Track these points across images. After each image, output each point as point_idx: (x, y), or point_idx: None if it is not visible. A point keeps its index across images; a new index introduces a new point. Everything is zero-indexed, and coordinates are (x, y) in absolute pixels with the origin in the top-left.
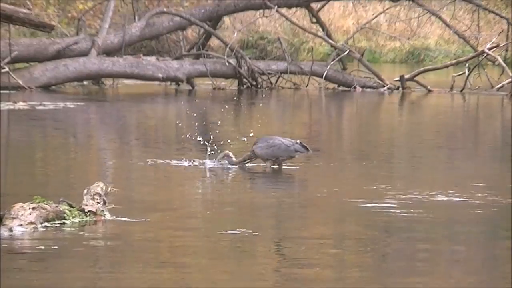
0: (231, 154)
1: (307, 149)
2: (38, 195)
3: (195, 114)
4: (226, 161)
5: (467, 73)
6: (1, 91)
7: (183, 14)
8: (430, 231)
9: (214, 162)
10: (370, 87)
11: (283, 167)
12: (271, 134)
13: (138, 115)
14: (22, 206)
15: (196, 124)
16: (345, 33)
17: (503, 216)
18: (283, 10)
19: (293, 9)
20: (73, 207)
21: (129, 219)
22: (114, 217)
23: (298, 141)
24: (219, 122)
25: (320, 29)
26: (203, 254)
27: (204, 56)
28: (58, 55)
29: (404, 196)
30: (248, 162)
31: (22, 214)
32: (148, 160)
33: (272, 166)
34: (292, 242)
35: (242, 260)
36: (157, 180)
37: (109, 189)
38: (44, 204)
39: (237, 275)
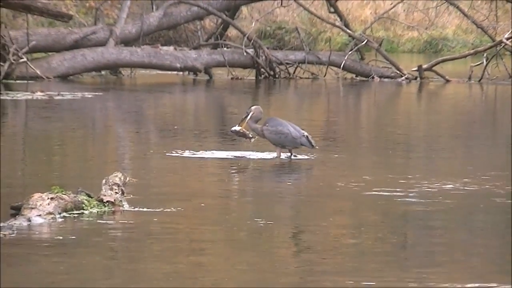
0: (261, 113)
1: (312, 145)
2: (57, 185)
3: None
4: (252, 115)
5: (485, 63)
6: (19, 81)
7: (201, 3)
8: (448, 220)
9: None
10: (388, 77)
11: (302, 156)
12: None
13: (157, 105)
14: (41, 196)
15: (215, 114)
16: (363, 23)
17: None
18: (301, 0)
19: None
20: (91, 197)
21: (147, 210)
22: (133, 207)
23: (305, 134)
24: (237, 112)
25: (338, 19)
26: (222, 244)
27: (222, 46)
28: (76, 45)
29: (421, 186)
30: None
31: (40, 204)
32: (166, 150)
33: (282, 154)
34: (311, 232)
35: (261, 250)
36: (176, 171)
37: (128, 179)
38: (63, 194)
39: (255, 265)
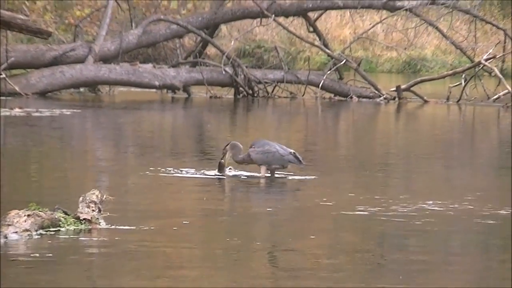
0: (239, 145)
1: (300, 161)
2: (34, 202)
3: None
4: (231, 155)
5: (463, 83)
6: None
7: (180, 21)
8: (426, 241)
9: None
10: (366, 97)
11: (279, 176)
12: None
13: (135, 123)
14: (17, 213)
15: (194, 132)
16: (342, 42)
17: (499, 227)
18: (280, 19)
19: (290, 18)
20: (68, 215)
21: (124, 227)
22: (109, 225)
23: (292, 152)
24: (215, 131)
25: (317, 38)
26: (199, 264)
27: (200, 64)
28: (55, 62)
29: (400, 206)
30: (246, 164)
31: (17, 221)
32: (144, 168)
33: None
34: (288, 252)
35: (237, 270)
36: (153, 189)
37: (105, 197)
38: (39, 211)
39: (232, 284)
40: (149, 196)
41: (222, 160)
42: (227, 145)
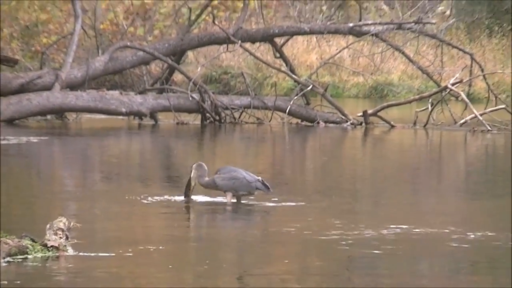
0: (205, 166)
1: (267, 187)
2: (1, 229)
3: (162, 150)
4: (197, 176)
5: (430, 108)
6: None
7: (147, 48)
8: (394, 266)
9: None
10: (333, 122)
11: (246, 201)
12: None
13: (102, 150)
14: None
15: (160, 159)
16: (308, 68)
17: (466, 250)
18: (247, 45)
19: (257, 44)
20: (35, 242)
21: (91, 254)
22: (77, 252)
23: (260, 179)
24: (182, 157)
25: (284, 64)
26: None
27: (167, 91)
28: (22, 89)
29: (367, 231)
30: (210, 189)
31: None
32: (111, 195)
33: (231, 200)
34: (255, 278)
35: None
36: (121, 215)
37: (72, 224)
38: (7, 238)
39: None
40: (117, 222)
41: (190, 179)
42: (193, 165)
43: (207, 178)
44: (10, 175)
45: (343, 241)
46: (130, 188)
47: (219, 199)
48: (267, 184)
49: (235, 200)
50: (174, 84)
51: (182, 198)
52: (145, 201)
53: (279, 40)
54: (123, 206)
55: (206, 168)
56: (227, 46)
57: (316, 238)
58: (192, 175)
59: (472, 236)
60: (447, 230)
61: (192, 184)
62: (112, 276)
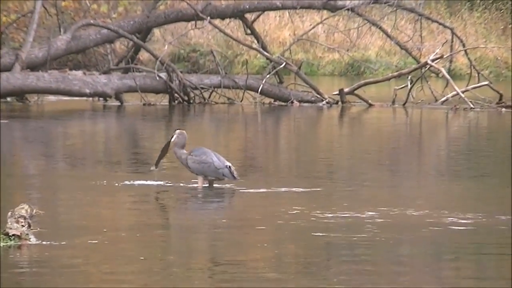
0: (186, 136)
1: (234, 176)
2: None
3: (129, 133)
4: (176, 142)
5: (409, 86)
6: None
7: (111, 26)
8: (373, 251)
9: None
10: (308, 101)
11: (220, 186)
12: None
13: (65, 133)
14: None
15: (127, 142)
16: (281, 44)
17: (447, 236)
18: (216, 21)
19: (227, 20)
20: None
21: (55, 243)
22: (40, 241)
23: (228, 165)
24: (150, 140)
25: (255, 41)
26: (133, 280)
27: (133, 70)
28: None
29: (344, 216)
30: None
31: None
32: (76, 181)
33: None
34: (230, 265)
35: (177, 284)
36: (86, 202)
37: (34, 211)
38: None
39: None
40: (82, 209)
41: (169, 143)
42: (176, 130)
43: (184, 151)
44: None
45: (319, 227)
46: (95, 173)
47: (191, 185)
48: (234, 173)
49: (206, 185)
50: (140, 63)
51: (152, 168)
52: (111, 187)
53: (250, 16)
54: (89, 192)
55: (185, 136)
56: (196, 23)
57: (292, 224)
58: (172, 140)
59: (452, 219)
60: (426, 213)
61: (169, 147)
62: (77, 266)
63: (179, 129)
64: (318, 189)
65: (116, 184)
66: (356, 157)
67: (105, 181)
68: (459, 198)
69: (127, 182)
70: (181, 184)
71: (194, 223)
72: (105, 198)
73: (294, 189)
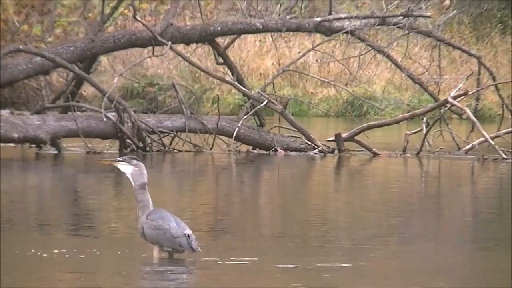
0: (145, 174)
1: (191, 247)
2: None
3: (67, 189)
4: (134, 174)
5: (425, 130)
6: None
7: (46, 53)
8: None
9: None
10: (296, 149)
11: (180, 257)
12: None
13: None
14: None
15: (64, 201)
16: (262, 77)
17: None
18: (180, 47)
19: (193, 46)
20: None
21: None
22: None
23: (188, 234)
24: (96, 199)
25: (229, 73)
26: None
27: (74, 110)
28: None
29: None
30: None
31: None
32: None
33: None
34: None
35: None
36: (14, 274)
37: None
38: None
39: None
40: (8, 283)
41: (116, 164)
42: (132, 159)
43: (142, 215)
44: None
45: None
46: (26, 239)
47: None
48: (192, 243)
49: (164, 255)
50: (83, 100)
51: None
52: (46, 255)
53: (222, 41)
54: (17, 261)
55: (145, 175)
56: (153, 49)
57: None
58: (121, 167)
59: None
60: None
61: (115, 165)
62: None
63: (135, 158)
64: (309, 260)
65: (52, 253)
66: (356, 222)
67: (36, 250)
68: (486, 273)
69: (64, 250)
70: (131, 254)
71: None
72: (36, 269)
73: (277, 260)
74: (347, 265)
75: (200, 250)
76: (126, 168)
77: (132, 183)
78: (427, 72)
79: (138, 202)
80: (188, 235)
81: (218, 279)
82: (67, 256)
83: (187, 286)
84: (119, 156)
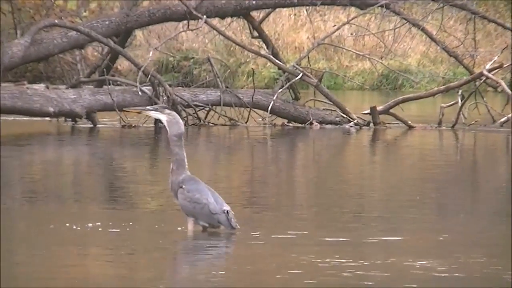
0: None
1: (231, 225)
2: None
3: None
4: (166, 121)
5: (460, 103)
6: None
7: (81, 27)
8: None
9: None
10: (331, 122)
11: (216, 231)
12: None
13: (23, 163)
14: None
15: (99, 175)
16: (297, 51)
17: None
18: (215, 21)
19: (228, 20)
20: None
21: None
22: None
23: (226, 210)
24: (129, 172)
25: (264, 46)
26: None
27: (109, 84)
28: None
29: (378, 270)
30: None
31: None
32: (36, 221)
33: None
34: None
35: None
36: (48, 249)
37: None
38: None
39: None
40: (41, 259)
41: (147, 112)
42: (164, 108)
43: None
44: None
45: (350, 281)
46: (60, 213)
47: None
48: (232, 220)
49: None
50: (118, 74)
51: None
52: (80, 229)
53: (257, 15)
54: (52, 235)
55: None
56: (188, 23)
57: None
58: (155, 115)
59: None
60: (483, 268)
61: (146, 113)
62: None
63: (167, 108)
64: (344, 234)
65: (86, 226)
66: (392, 194)
67: (72, 223)
68: None
69: (98, 223)
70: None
71: (190, 276)
72: (71, 244)
73: (313, 234)
74: (385, 238)
75: (239, 227)
76: (160, 115)
77: (168, 131)
78: (462, 45)
79: (173, 155)
80: (227, 211)
81: (259, 253)
82: (100, 229)
83: (229, 259)
84: (155, 130)
